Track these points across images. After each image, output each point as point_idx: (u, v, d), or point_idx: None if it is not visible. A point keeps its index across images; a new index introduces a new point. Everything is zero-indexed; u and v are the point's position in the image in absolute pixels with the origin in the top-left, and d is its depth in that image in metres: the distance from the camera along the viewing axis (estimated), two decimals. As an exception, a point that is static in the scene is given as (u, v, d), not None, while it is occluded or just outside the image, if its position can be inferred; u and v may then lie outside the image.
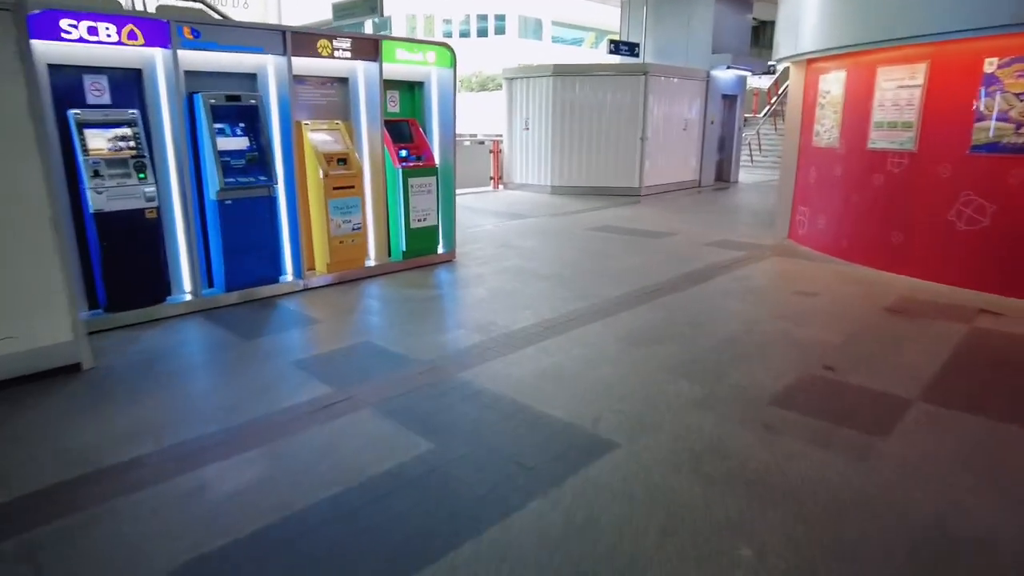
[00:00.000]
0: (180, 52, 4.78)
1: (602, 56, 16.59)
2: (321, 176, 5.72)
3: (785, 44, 8.14)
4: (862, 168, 6.85)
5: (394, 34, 41.46)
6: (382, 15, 8.82)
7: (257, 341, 4.52)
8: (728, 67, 14.85)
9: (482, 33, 42.88)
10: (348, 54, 5.74)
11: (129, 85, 4.81)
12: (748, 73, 15.87)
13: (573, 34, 45.67)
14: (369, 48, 5.91)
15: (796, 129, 8.22)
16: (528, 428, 3.25)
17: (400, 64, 6.20)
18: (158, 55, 4.80)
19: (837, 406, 3.52)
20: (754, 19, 16.72)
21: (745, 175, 17.46)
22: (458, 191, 14.23)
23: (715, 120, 15.28)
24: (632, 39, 15.98)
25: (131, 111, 4.75)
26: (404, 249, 6.56)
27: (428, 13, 42.02)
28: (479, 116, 32.09)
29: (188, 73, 5.07)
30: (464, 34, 43.07)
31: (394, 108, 6.62)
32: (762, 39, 22.04)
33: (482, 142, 15.56)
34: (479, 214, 10.55)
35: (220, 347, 4.44)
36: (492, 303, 5.50)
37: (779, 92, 25.00)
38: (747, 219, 10.30)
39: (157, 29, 4.63)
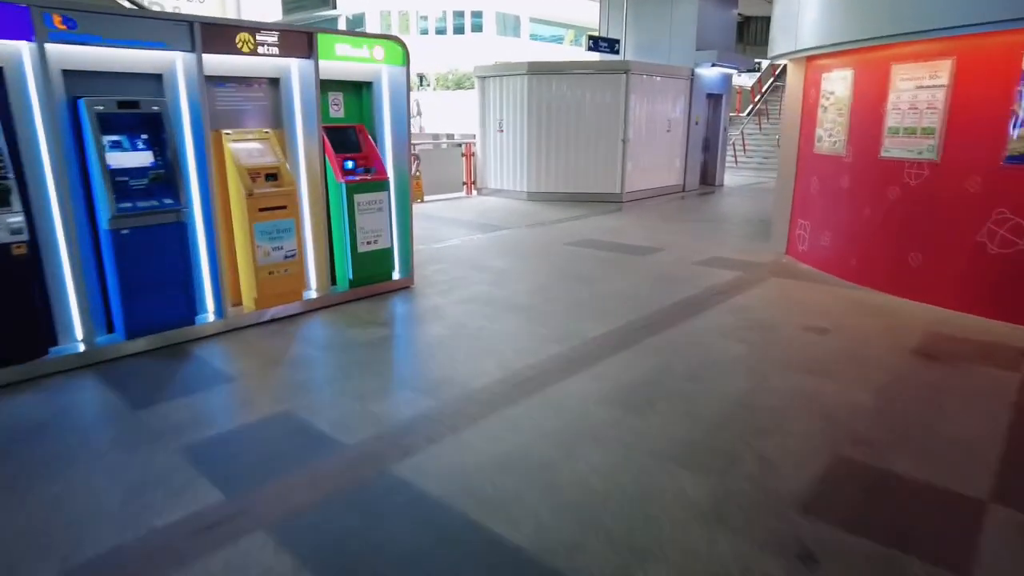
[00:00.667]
0: (50, 46, 3.81)
1: (582, 54, 15.71)
2: (244, 195, 4.78)
3: (782, 40, 7.33)
4: (874, 179, 6.06)
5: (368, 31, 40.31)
6: (334, 7, 7.86)
7: (148, 412, 3.58)
8: (713, 64, 14.07)
9: (459, 30, 41.85)
10: (275, 50, 4.80)
11: (-16, 88, 3.84)
12: (734, 71, 15.12)
13: (552, 31, 44.81)
14: (301, 43, 4.96)
15: (794, 134, 7.42)
16: (478, 565, 2.37)
17: (342, 62, 5.26)
18: (24, 50, 3.83)
19: (888, 514, 2.68)
20: (739, 14, 15.96)
21: (730, 177, 16.73)
22: (429, 198, 13.39)
23: (700, 120, 14.51)
24: (612, 35, 15.15)
25: (-13, 121, 3.78)
26: (351, 277, 5.63)
27: (403, 10, 40.89)
28: (455, 115, 31.08)
29: (73, 73, 4.11)
30: (440, 31, 42.02)
31: (337, 113, 5.69)
32: (747, 35, 21.35)
33: (459, 144, 14.63)
34: (448, 225, 9.63)
35: (99, 422, 3.50)
36: (450, 347, 4.60)
37: (762, 90, 24.38)
38: (738, 230, 9.50)
39: (14, 16, 3.65)
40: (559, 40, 44.90)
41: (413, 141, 20.66)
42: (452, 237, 8.73)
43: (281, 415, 3.53)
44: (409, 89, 5.66)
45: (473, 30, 41.49)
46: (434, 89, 37.06)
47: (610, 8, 15.20)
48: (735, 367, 4.27)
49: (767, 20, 21.95)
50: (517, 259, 7.45)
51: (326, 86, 5.46)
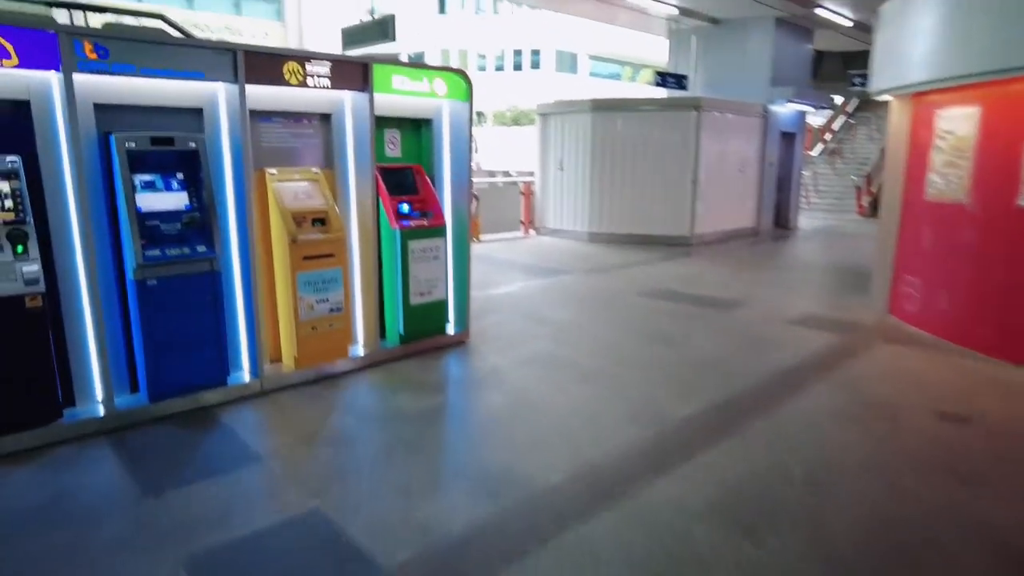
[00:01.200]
0: (80, 77, 3.42)
1: (641, 90, 15.07)
2: (288, 241, 4.29)
3: (886, 73, 6.54)
4: (1010, 232, 5.16)
5: (428, 68, 41.00)
6: (394, 38, 7.50)
7: (158, 501, 3.03)
8: (789, 101, 13.26)
9: (517, 68, 42.13)
10: (327, 81, 4.34)
11: (9, 122, 3.46)
12: (810, 109, 14.24)
13: (610, 68, 44.65)
14: (355, 74, 4.50)
15: (898, 178, 6.56)
16: None
17: (399, 95, 4.78)
18: (52, 80, 3.45)
19: None
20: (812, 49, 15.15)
21: (803, 219, 15.68)
22: (485, 237, 12.91)
23: (774, 161, 13.65)
24: (679, 71, 14.53)
25: (10, 159, 3.40)
26: (402, 332, 5.06)
27: (462, 48, 41.49)
28: (512, 152, 30.93)
29: (106, 107, 3.72)
30: (499, 68, 42.39)
31: (394, 152, 5.21)
32: (820, 71, 20.40)
33: (515, 182, 14.17)
34: (505, 269, 9.05)
35: (101, 512, 2.95)
36: (511, 424, 3.93)
37: (833, 128, 23.25)
38: (826, 281, 8.58)
39: (40, 44, 3.27)
40: (617, 77, 44.67)
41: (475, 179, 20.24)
42: (509, 282, 8.12)
43: (309, 515, 2.91)
44: (472, 126, 5.14)
45: (532, 68, 41.70)
46: (491, 125, 37.15)
47: (678, 43, 14.62)
48: (862, 468, 3.45)
49: (841, 56, 21.04)
50: (581, 310, 6.77)
51: (382, 123, 4.98)
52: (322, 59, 4.30)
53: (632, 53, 40.97)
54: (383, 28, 8.16)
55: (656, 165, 11.52)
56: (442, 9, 42.11)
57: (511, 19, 41.08)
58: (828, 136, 23.14)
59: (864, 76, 12.92)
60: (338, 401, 4.27)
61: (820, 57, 22.13)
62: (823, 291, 7.90)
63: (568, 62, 42.52)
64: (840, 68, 19.94)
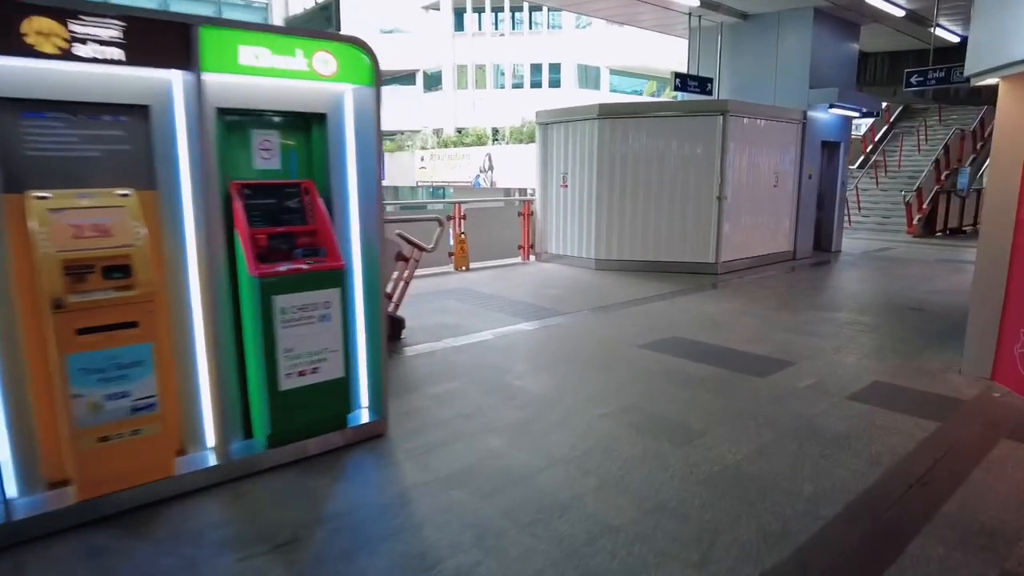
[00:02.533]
0: None
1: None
2: (50, 306, 2.66)
3: (993, 48, 4.73)
4: None
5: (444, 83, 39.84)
6: (338, 27, 5.92)
7: None
8: (832, 106, 11.40)
9: (536, 85, 40.72)
10: (118, 52, 2.73)
11: None
12: (856, 114, 12.36)
13: (633, 84, 43.01)
14: (171, 42, 2.87)
15: (1011, 189, 4.72)
16: None
17: (261, 77, 3.15)
18: None
19: None
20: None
21: (846, 240, 13.69)
22: (476, 265, 11.19)
23: (813, 174, 11.77)
24: (703, 75, 12.78)
25: None
26: (269, 430, 3.37)
27: (479, 63, 40.27)
28: (528, 170, 29.44)
29: None
30: (517, 86, 41.03)
31: (270, 162, 3.56)
32: (864, 75, 18.42)
33: (515, 201, 12.52)
34: (487, 307, 7.35)
35: None
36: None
37: (876, 139, 21.17)
38: (889, 325, 6.69)
39: None
40: (640, 92, 42.97)
41: (476, 197, 18.71)
42: (486, 326, 6.42)
43: None
44: (379, 119, 3.48)
45: (551, 86, 40.26)
46: (508, 143, 35.75)
47: (701, 42, 12.89)
48: None
49: (888, 56, 18.95)
50: (567, 374, 5.02)
51: (246, 121, 3.38)
52: (102, 16, 2.68)
53: (655, 66, 39.30)
54: (326, 14, 6.61)
55: (675, 180, 9.76)
56: (459, 26, 41.02)
57: (530, 35, 39.85)
58: (870, 148, 21.06)
59: (923, 74, 11.04)
60: (122, 571, 2.59)
61: (864, 59, 20.14)
62: (890, 342, 6.02)
63: (590, 77, 41.01)
64: (887, 70, 17.93)
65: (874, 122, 21.55)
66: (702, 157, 9.65)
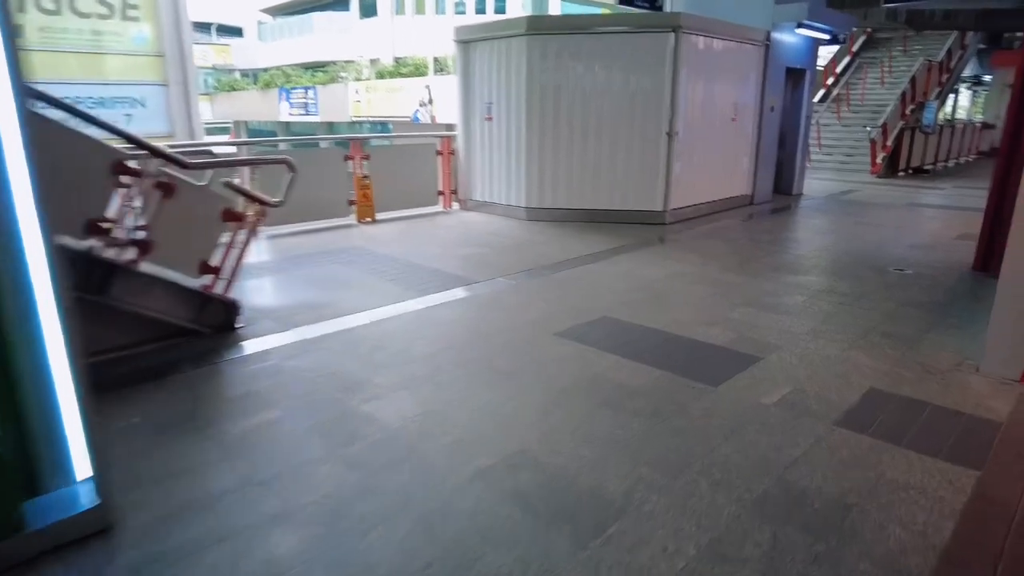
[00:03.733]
0: None
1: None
2: None
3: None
4: None
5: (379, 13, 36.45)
6: None
7: None
8: (800, 25, 9.85)
9: (480, 11, 37.74)
10: None
11: None
12: (826, 36, 10.83)
13: (587, 10, 40.36)
14: None
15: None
16: None
17: None
18: None
19: None
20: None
21: (807, 181, 12.42)
22: (384, 215, 8.43)
23: (776, 106, 10.31)
24: (653, -12, 11.01)
25: None
26: None
27: (420, -11, 36.90)
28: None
29: None
30: (460, 12, 37.95)
31: None
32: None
33: (435, 138, 10.70)
34: (378, 274, 5.76)
35: None
36: None
37: (837, 71, 19.79)
38: (874, 293, 5.39)
39: None
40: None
41: (413, 132, 16.30)
42: (365, 304, 4.85)
43: None
44: None
45: (497, 12, 37.35)
46: (449, 73, 33.13)
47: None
48: None
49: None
50: (447, 389, 3.52)
51: None
52: None
53: (608, -9, 36.71)
54: None
55: (619, 111, 8.15)
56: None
57: (473, -48, 36.64)
58: (831, 80, 19.69)
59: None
60: None
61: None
62: (879, 320, 4.71)
63: (539, 4, 38.22)
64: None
65: (836, 52, 20.13)
66: (650, 84, 8.04)
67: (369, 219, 8.51)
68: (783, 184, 11.25)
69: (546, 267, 6.12)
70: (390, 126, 32.10)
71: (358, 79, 33.13)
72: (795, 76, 10.77)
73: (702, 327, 4.46)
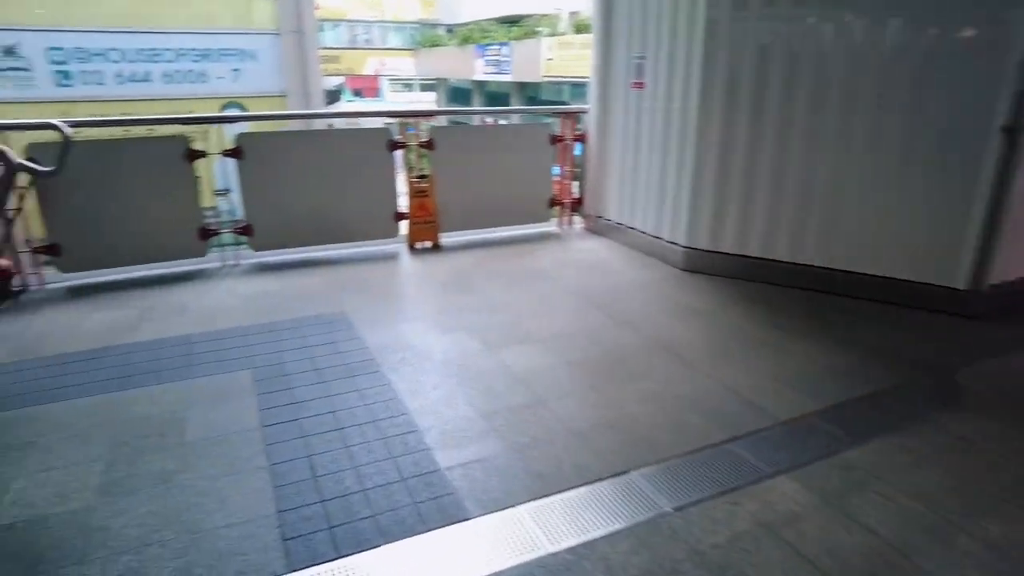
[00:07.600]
0: None
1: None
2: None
3: None
4: None
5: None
6: None
7: None
8: None
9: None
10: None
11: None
12: None
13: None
14: None
15: None
16: None
17: None
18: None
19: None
20: None
21: None
22: (456, 238, 4.55)
23: None
24: None
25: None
26: None
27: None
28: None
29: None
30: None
31: None
32: None
33: (554, 117, 7.13)
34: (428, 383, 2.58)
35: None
36: None
37: None
38: None
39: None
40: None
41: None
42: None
43: None
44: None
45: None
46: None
47: None
48: None
49: None
50: None
51: None
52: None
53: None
54: None
55: (888, 96, 3.97)
56: None
57: None
58: None
59: None
60: None
61: None
62: None
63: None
64: None
65: None
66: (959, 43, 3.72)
67: (430, 242, 5.36)
68: None
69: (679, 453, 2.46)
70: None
71: (553, 34, 29.79)
72: None
73: None
